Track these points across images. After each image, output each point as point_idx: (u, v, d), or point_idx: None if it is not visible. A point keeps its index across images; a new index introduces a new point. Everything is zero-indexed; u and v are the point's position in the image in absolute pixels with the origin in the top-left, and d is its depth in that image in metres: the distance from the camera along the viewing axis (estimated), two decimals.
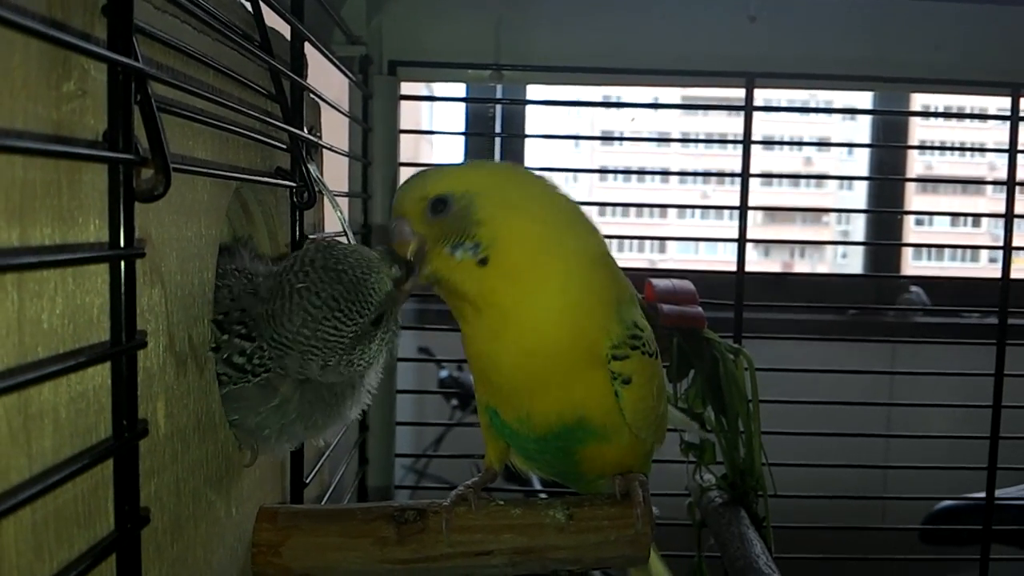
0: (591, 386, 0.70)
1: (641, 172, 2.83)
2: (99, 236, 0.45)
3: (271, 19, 0.75)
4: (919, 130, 2.78)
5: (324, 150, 0.94)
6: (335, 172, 1.05)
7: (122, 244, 0.45)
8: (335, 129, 1.07)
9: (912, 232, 2.59)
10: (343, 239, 0.82)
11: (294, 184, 0.80)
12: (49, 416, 0.42)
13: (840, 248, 3.10)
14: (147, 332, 0.51)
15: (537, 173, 0.72)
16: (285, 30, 0.81)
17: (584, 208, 0.73)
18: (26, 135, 0.40)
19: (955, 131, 3.02)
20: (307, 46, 0.84)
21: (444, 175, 0.69)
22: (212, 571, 0.64)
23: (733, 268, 1.29)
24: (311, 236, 0.84)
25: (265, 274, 0.68)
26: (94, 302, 0.45)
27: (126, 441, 0.46)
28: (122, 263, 0.46)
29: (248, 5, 0.72)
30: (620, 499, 0.73)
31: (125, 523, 0.47)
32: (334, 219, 0.87)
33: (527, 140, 1.92)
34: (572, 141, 2.51)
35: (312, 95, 0.87)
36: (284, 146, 0.78)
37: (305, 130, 0.81)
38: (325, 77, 1.00)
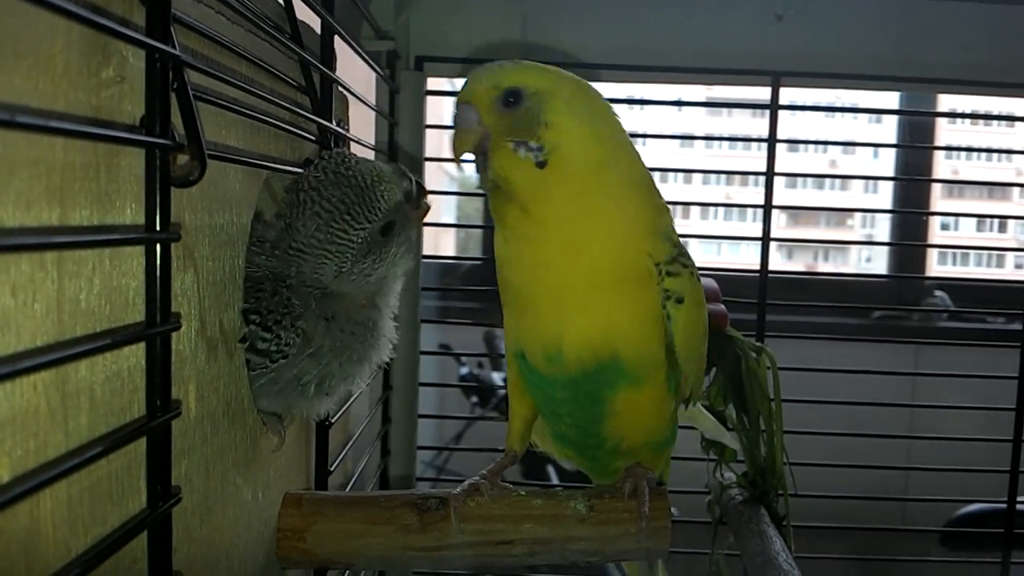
0: (631, 309, 0.70)
1: (664, 170, 2.81)
2: (135, 220, 0.46)
3: (302, 12, 0.76)
4: (945, 133, 2.76)
5: (351, 143, 0.94)
6: None
7: (158, 228, 0.46)
8: (362, 123, 1.08)
9: (937, 236, 2.57)
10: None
11: None
12: (86, 394, 0.43)
13: (864, 251, 3.08)
14: (180, 315, 0.52)
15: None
16: (316, 24, 0.83)
17: None
18: (67, 118, 0.41)
19: (982, 134, 3.00)
20: (336, 40, 0.85)
21: (521, 69, 0.68)
22: (238, 553, 0.65)
23: (756, 268, 1.28)
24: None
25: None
26: (130, 284, 0.46)
27: (160, 421, 0.47)
28: (157, 246, 0.47)
29: None
30: (627, 498, 0.73)
31: (157, 501, 0.48)
32: None
33: None
34: None
35: (341, 88, 0.88)
36: (313, 137, 0.79)
37: (333, 122, 0.82)
38: (353, 71, 1.01)
